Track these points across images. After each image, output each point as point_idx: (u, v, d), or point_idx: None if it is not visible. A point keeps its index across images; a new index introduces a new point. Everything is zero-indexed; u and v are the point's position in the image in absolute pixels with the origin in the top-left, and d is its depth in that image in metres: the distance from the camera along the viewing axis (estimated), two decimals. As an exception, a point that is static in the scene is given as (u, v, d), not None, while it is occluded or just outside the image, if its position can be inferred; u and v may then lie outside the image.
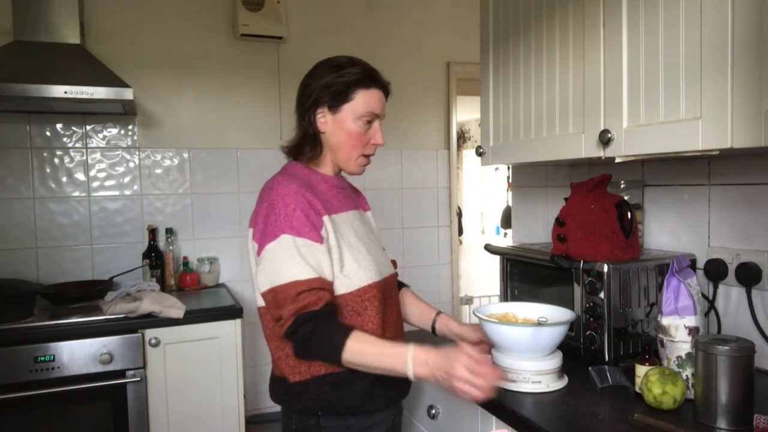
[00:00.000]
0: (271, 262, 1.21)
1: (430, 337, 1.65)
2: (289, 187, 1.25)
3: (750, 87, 1.01)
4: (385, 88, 1.35)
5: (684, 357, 1.19)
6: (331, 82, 1.29)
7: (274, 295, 1.20)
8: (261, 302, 1.29)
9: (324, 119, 1.31)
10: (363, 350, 1.16)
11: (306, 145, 1.33)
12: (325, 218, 1.26)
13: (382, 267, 1.35)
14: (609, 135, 1.31)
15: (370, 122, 1.32)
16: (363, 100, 1.30)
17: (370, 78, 1.31)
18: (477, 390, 1.08)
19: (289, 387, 1.28)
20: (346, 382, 1.25)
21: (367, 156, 1.35)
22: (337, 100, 1.29)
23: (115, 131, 2.66)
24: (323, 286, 1.20)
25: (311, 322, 1.17)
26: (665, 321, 1.21)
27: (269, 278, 1.21)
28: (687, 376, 1.18)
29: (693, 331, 1.18)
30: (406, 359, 1.14)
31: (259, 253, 1.24)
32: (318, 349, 1.19)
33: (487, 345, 1.40)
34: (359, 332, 1.19)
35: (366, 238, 1.36)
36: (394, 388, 1.34)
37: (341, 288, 1.25)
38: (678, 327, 1.19)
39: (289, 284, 1.17)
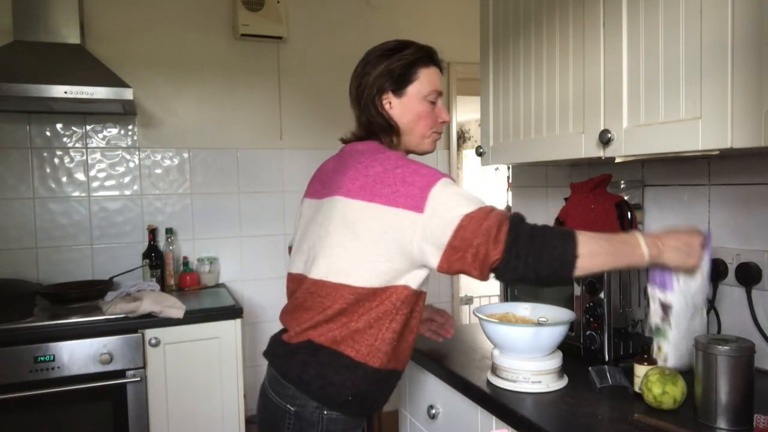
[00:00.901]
0: (443, 203, 1.09)
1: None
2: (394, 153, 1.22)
3: (750, 87, 1.01)
4: (440, 66, 1.33)
5: (653, 328, 1.24)
6: (390, 66, 1.26)
7: (469, 222, 1.06)
8: (354, 281, 1.15)
9: (390, 105, 1.27)
10: (594, 241, 1.07)
11: (380, 135, 1.28)
12: None
13: None
14: (609, 135, 1.31)
15: (433, 102, 1.30)
16: (426, 78, 1.28)
17: (429, 56, 1.30)
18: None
19: (348, 362, 1.17)
20: (384, 380, 1.22)
21: (438, 133, 1.34)
22: (400, 82, 1.26)
23: (115, 131, 2.66)
24: None
25: (525, 222, 1.09)
26: (650, 289, 1.24)
27: (458, 211, 1.07)
28: (660, 346, 1.23)
29: (666, 308, 1.21)
30: (639, 241, 1.10)
31: (423, 204, 1.09)
32: (549, 242, 1.06)
33: (435, 323, 1.49)
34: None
35: None
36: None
37: (425, 285, 1.21)
38: (655, 299, 1.22)
39: (476, 210, 1.07)
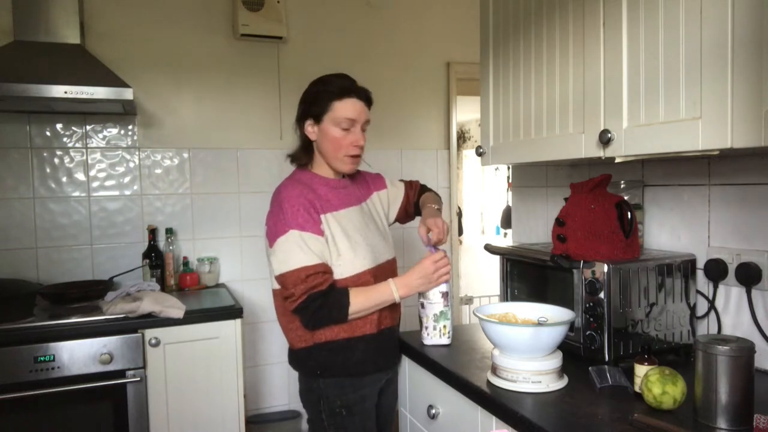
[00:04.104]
0: (283, 252, 1.45)
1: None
2: (293, 190, 1.51)
3: (750, 87, 1.01)
4: (362, 96, 1.56)
5: (438, 314, 1.58)
6: (313, 97, 1.54)
7: (285, 278, 1.45)
8: (276, 286, 1.53)
9: (312, 129, 1.56)
10: (360, 302, 1.47)
11: (305, 152, 1.60)
12: (323, 216, 1.51)
13: (379, 254, 1.59)
14: (609, 135, 1.31)
15: (348, 128, 1.53)
16: (341, 109, 1.52)
17: (343, 90, 1.52)
18: (445, 270, 1.51)
19: (295, 353, 1.57)
20: (341, 348, 1.51)
21: (352, 156, 1.56)
22: (318, 113, 1.53)
23: (115, 131, 2.66)
24: (326, 270, 1.46)
25: (320, 299, 1.43)
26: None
27: (282, 265, 1.45)
28: (444, 325, 1.58)
29: (445, 295, 1.57)
30: (391, 290, 1.49)
31: (271, 245, 1.48)
32: (327, 319, 1.47)
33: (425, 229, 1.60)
34: (352, 290, 1.47)
35: (365, 229, 1.59)
36: (384, 356, 1.60)
37: (338, 274, 1.49)
38: (435, 293, 1.56)
39: (299, 269, 1.42)
